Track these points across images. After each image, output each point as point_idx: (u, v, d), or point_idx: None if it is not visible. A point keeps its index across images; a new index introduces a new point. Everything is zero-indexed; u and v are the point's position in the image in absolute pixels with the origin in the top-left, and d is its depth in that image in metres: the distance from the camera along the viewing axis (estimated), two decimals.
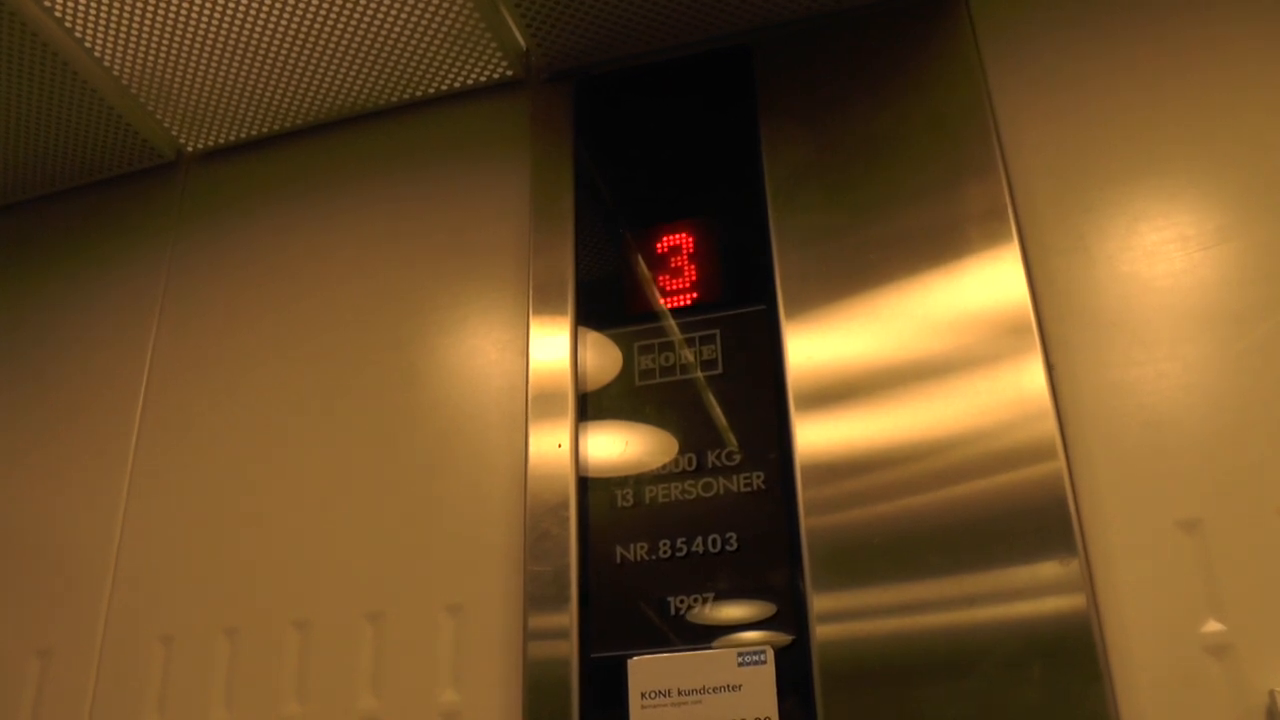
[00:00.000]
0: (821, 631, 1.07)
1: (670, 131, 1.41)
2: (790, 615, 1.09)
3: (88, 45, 1.45)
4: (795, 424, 1.17)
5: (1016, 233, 1.19)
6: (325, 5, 1.40)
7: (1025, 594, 1.02)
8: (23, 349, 1.65)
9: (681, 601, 1.13)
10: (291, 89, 1.55)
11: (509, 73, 1.53)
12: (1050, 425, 1.09)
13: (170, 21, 1.42)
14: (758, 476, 1.17)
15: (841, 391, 1.17)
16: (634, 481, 1.20)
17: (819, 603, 1.08)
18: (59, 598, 1.42)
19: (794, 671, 1.06)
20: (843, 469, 1.13)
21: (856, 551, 1.09)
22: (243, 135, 1.66)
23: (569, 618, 1.15)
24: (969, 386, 1.13)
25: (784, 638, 1.08)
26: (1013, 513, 1.06)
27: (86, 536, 1.45)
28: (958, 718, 1.00)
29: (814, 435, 1.16)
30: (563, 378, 1.28)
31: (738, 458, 1.18)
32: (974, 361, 1.14)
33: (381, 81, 1.54)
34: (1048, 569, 1.02)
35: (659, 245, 1.33)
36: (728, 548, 1.14)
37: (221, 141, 1.67)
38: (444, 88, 1.56)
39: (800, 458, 1.15)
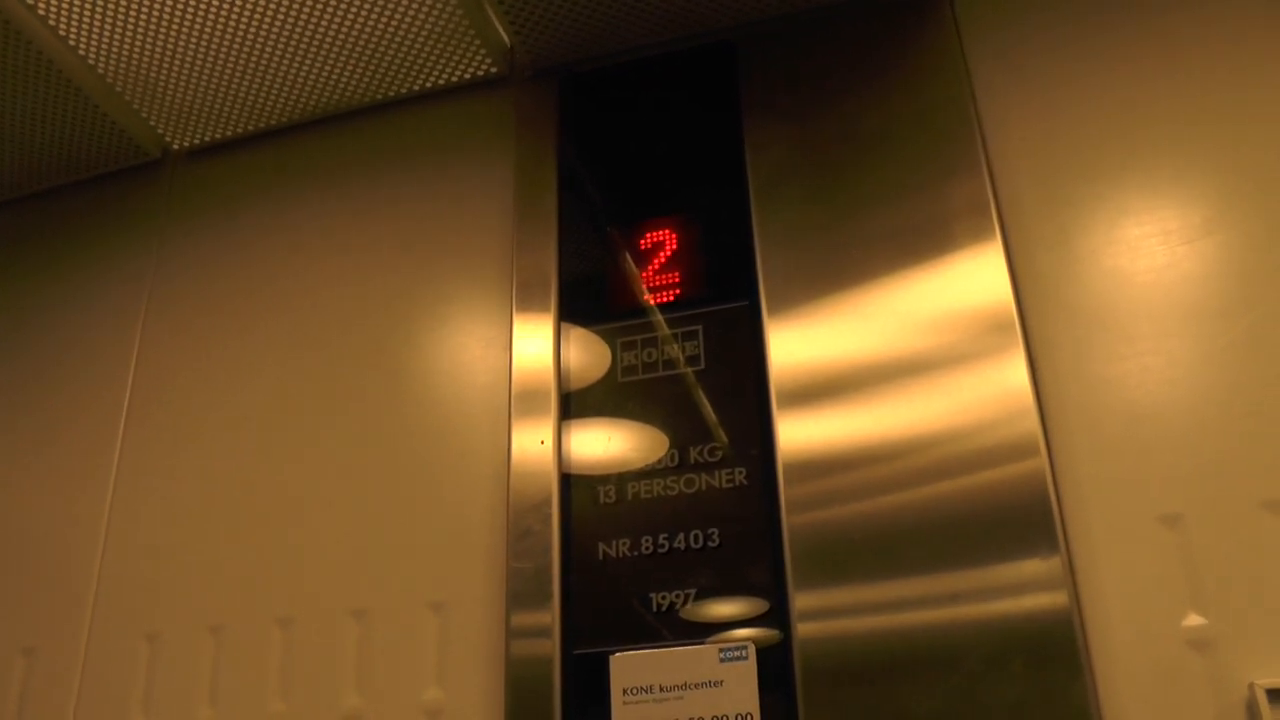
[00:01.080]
0: (803, 628, 1.07)
1: (654, 128, 1.41)
2: (772, 612, 1.09)
3: (72, 43, 1.45)
4: (778, 420, 1.17)
5: (999, 229, 1.19)
6: (310, 3, 1.40)
7: (1007, 590, 1.02)
8: (6, 347, 1.65)
9: (664, 598, 1.13)
10: (277, 87, 1.55)
11: (493, 70, 1.53)
12: (1033, 422, 1.09)
13: (156, 19, 1.42)
14: (740, 473, 1.16)
15: (824, 388, 1.17)
16: (616, 478, 1.20)
17: (801, 599, 1.08)
18: (44, 596, 1.42)
19: (776, 668, 1.06)
20: (825, 466, 1.13)
21: (838, 548, 1.09)
22: (228, 133, 1.66)
23: (551, 614, 1.15)
24: (952, 383, 1.13)
25: (766, 634, 1.08)
26: (995, 510, 1.06)
27: (72, 535, 1.45)
28: (939, 714, 0.99)
29: (796, 432, 1.15)
30: (546, 374, 1.28)
31: (720, 454, 1.18)
32: (957, 358, 1.14)
33: (366, 79, 1.54)
34: (1030, 565, 1.02)
35: (643, 242, 1.33)
36: (710, 544, 1.14)
37: (207, 139, 1.67)
38: (428, 85, 1.56)
39: (782, 454, 1.15)
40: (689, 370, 1.23)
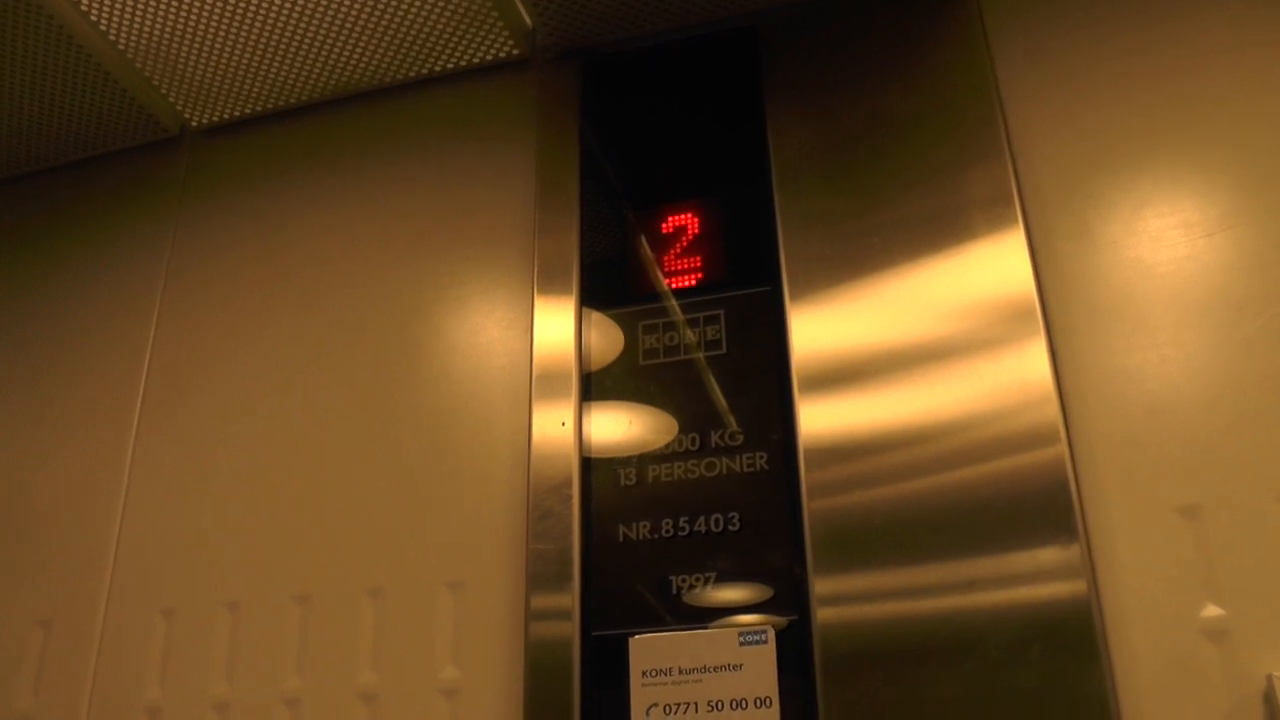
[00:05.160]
0: (822, 613, 1.07)
1: (676, 112, 1.41)
2: (791, 596, 1.10)
3: (93, 18, 1.45)
4: (799, 405, 1.17)
5: (1021, 218, 1.19)
6: None
7: (1026, 578, 1.03)
8: (26, 322, 1.65)
9: (683, 581, 1.14)
10: (297, 65, 1.55)
11: (515, 52, 1.53)
12: (1053, 410, 1.09)
13: None
14: (760, 457, 1.17)
15: (845, 374, 1.17)
16: (637, 461, 1.21)
17: (820, 584, 1.08)
18: (62, 569, 1.43)
19: (795, 652, 1.07)
20: (846, 451, 1.13)
21: (858, 533, 1.10)
22: (247, 111, 1.65)
23: (571, 596, 1.16)
24: (973, 371, 1.13)
25: (785, 618, 1.09)
26: (1015, 497, 1.06)
27: (90, 508, 1.46)
28: (957, 699, 1.00)
29: (817, 417, 1.16)
30: (567, 357, 1.28)
31: (741, 438, 1.18)
32: (978, 346, 1.14)
33: (387, 59, 1.54)
34: (1049, 553, 1.03)
35: (664, 225, 1.33)
36: (730, 528, 1.15)
37: (226, 117, 1.67)
38: (450, 66, 1.56)
39: (803, 439, 1.15)
40: (710, 354, 1.24)
